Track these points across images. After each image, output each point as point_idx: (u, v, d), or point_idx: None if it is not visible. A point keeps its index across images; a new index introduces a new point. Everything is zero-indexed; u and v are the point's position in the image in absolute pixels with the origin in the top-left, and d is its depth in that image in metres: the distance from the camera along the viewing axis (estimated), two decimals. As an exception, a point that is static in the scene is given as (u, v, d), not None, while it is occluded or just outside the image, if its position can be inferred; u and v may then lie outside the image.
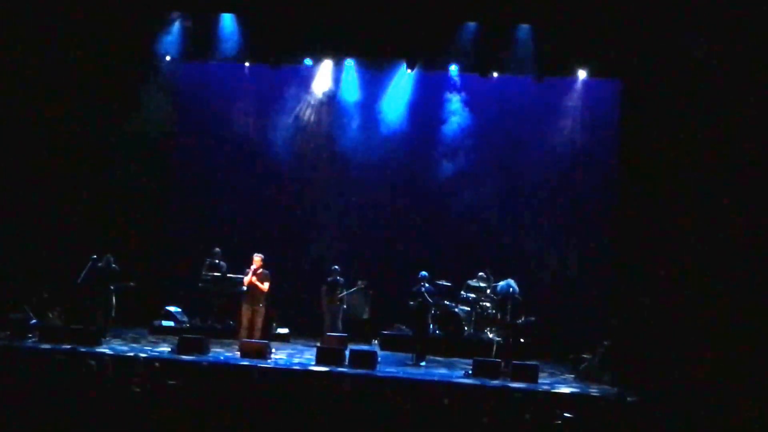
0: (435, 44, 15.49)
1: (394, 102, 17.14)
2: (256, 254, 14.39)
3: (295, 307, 16.35)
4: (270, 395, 8.56)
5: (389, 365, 13.47)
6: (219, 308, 15.99)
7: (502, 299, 13.63)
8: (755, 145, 12.73)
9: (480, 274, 15.74)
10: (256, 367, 12.39)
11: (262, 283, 14.23)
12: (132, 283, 14.59)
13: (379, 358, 13.42)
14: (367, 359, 13.06)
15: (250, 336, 13.99)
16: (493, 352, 13.45)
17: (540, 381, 12.67)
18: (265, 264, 14.37)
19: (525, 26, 15.09)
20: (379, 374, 12.61)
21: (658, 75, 13.72)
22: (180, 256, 16.89)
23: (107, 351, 12.72)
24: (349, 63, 16.89)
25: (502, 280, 13.91)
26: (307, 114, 17.53)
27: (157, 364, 9.36)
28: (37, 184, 15.47)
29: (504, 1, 14.84)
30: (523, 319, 13.38)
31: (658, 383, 11.77)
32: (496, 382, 12.35)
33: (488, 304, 15.32)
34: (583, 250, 16.48)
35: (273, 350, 13.65)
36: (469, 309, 15.50)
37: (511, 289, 13.47)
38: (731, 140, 12.85)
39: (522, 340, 13.69)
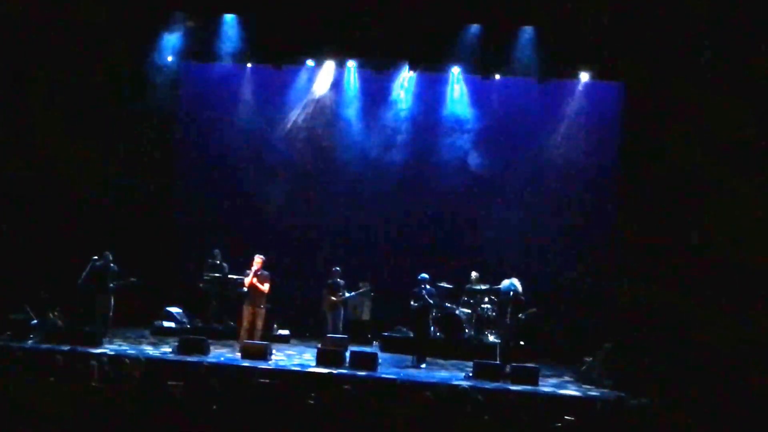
0: (437, 46, 15.48)
1: (396, 103, 17.14)
2: (257, 255, 14.39)
3: (296, 309, 16.35)
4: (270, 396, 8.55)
5: (390, 367, 13.45)
6: (219, 309, 15.99)
7: (503, 300, 13.59)
8: (757, 147, 12.72)
9: (473, 273, 15.72)
10: (256, 368, 12.38)
11: (262, 284, 14.22)
12: (133, 279, 14.55)
13: (380, 360, 13.40)
14: (367, 361, 13.04)
15: (251, 337, 13.97)
16: (497, 355, 13.41)
17: (540, 383, 12.65)
18: (266, 265, 14.37)
19: (528, 28, 15.09)
20: (379, 376, 12.58)
21: (660, 77, 13.72)
22: (181, 257, 16.90)
23: (107, 352, 12.69)
24: (352, 64, 16.89)
25: (506, 279, 13.85)
26: (310, 115, 17.53)
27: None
28: (38, 185, 15.45)
29: (507, 3, 14.84)
30: (523, 315, 13.34)
31: (659, 386, 11.74)
32: (496, 385, 12.33)
33: (489, 306, 15.30)
34: (584, 252, 16.44)
35: (273, 351, 13.64)
36: (469, 311, 15.48)
37: (511, 293, 13.42)
38: (733, 143, 12.83)
39: (522, 342, 13.67)
